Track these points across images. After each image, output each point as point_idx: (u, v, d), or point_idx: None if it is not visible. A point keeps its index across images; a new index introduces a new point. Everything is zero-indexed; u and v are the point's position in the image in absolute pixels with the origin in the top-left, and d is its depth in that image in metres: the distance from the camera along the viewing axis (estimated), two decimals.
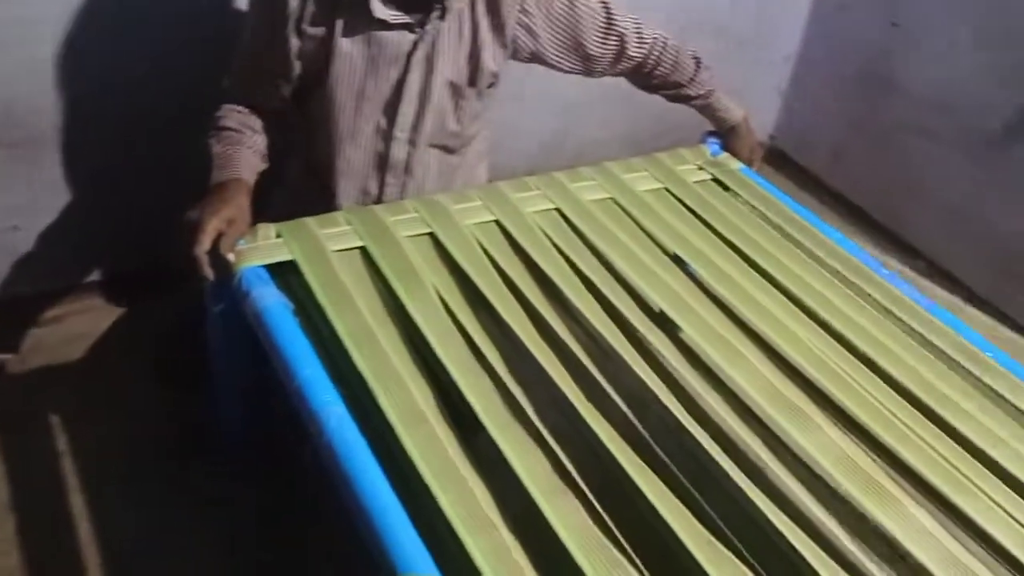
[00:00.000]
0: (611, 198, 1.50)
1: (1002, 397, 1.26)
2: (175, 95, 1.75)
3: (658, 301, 1.30)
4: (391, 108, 1.43)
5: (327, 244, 1.28)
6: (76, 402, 1.67)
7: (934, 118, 2.37)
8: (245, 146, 1.38)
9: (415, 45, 1.38)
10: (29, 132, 1.69)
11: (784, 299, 1.36)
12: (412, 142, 1.47)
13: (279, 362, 1.09)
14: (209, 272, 1.22)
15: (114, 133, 1.77)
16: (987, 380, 1.28)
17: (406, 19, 1.36)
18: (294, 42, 1.36)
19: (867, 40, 2.48)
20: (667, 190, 1.55)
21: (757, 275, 1.40)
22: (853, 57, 2.54)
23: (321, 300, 1.18)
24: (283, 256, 1.25)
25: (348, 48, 1.37)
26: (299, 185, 1.55)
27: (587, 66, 1.56)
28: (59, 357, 1.76)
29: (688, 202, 1.52)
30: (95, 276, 1.91)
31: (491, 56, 1.45)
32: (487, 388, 1.12)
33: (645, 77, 1.63)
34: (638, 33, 1.55)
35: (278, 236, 1.29)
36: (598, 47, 1.53)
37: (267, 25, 1.36)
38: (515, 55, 1.50)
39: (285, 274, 1.25)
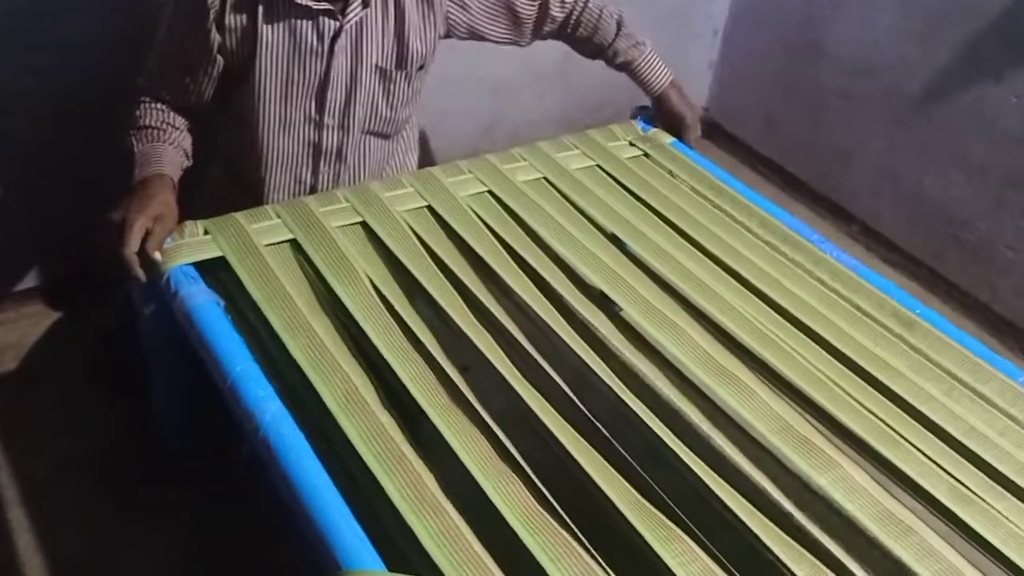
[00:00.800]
0: (544, 178, 1.50)
1: (929, 355, 1.28)
2: (102, 88, 1.70)
3: (594, 279, 1.31)
4: (320, 96, 1.41)
5: (257, 239, 1.26)
6: (11, 413, 1.63)
7: (858, 82, 2.41)
8: (167, 143, 1.35)
9: (338, 32, 1.37)
10: None
11: (718, 270, 1.38)
12: (344, 128, 1.46)
13: (211, 360, 1.07)
14: (140, 272, 1.19)
15: (40, 128, 1.72)
16: (914, 339, 1.30)
17: (327, 5, 1.34)
18: (215, 36, 1.34)
19: (792, 7, 2.51)
20: (599, 167, 1.56)
21: (691, 248, 1.41)
22: (779, 26, 2.58)
23: (253, 295, 1.16)
24: (211, 253, 1.23)
25: (271, 37, 1.35)
26: (223, 186, 1.53)
27: (517, 32, 1.57)
28: None
29: (620, 178, 1.53)
30: (24, 284, 1.85)
31: (419, 38, 1.44)
32: (425, 373, 1.11)
33: (567, 39, 1.63)
34: None
35: (205, 233, 1.26)
36: (525, 8, 1.54)
37: (187, 20, 1.33)
38: (450, 33, 1.50)
39: (215, 271, 1.22)
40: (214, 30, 1.33)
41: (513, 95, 2.32)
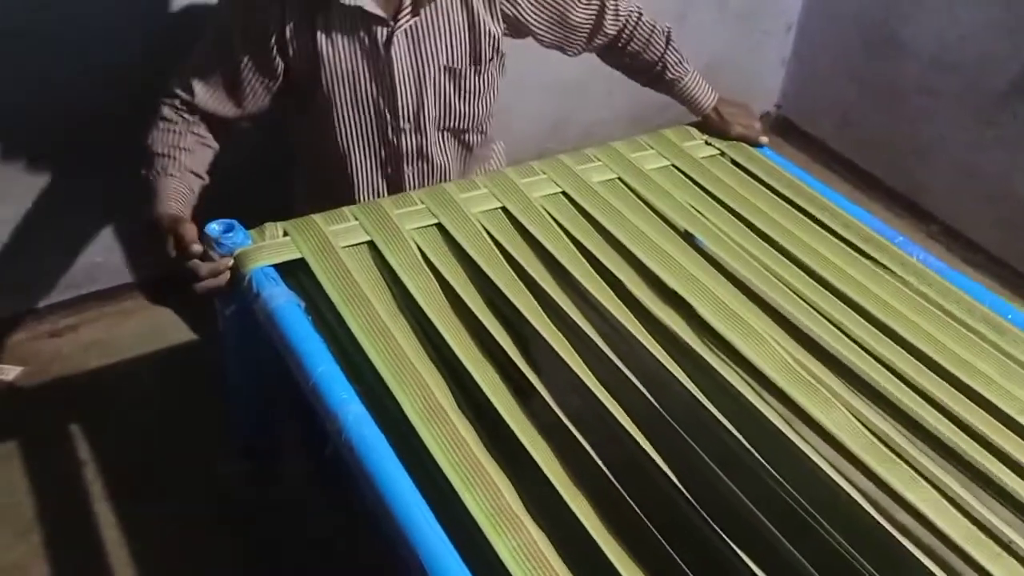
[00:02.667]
0: (618, 178, 1.48)
1: (1019, 359, 1.24)
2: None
3: (670, 280, 1.29)
4: (391, 100, 1.42)
5: (335, 240, 1.27)
6: (96, 410, 1.67)
7: (940, 78, 2.34)
8: (173, 175, 1.33)
9: (389, 37, 1.37)
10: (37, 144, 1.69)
11: (800, 272, 1.35)
12: (420, 129, 1.46)
13: (294, 361, 1.08)
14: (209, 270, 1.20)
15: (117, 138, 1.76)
16: (1007, 345, 1.26)
17: (379, 12, 1.35)
18: (275, 53, 1.35)
19: (869, 3, 2.45)
20: (674, 167, 1.53)
21: (772, 249, 1.38)
22: (855, 21, 2.51)
23: (332, 297, 1.17)
24: (291, 255, 1.24)
25: (331, 49, 1.36)
26: (314, 196, 1.54)
27: (565, 37, 1.55)
28: (76, 366, 1.77)
29: (696, 178, 1.51)
30: (108, 282, 1.91)
31: (486, 31, 1.44)
32: (503, 380, 1.11)
33: (617, 54, 1.61)
34: (615, 4, 1.54)
35: (285, 234, 1.28)
36: (580, 13, 1.52)
37: (241, 36, 1.34)
38: (505, 30, 1.49)
39: (294, 272, 1.24)
40: (275, 49, 1.34)
41: (582, 94, 2.31)
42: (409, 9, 1.37)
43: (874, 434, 1.10)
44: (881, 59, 2.47)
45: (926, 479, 1.06)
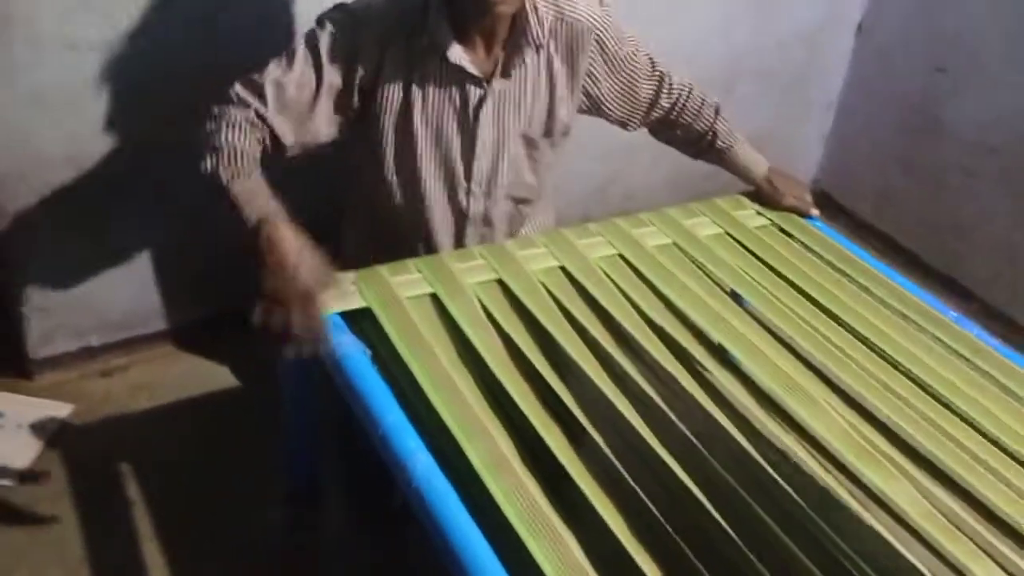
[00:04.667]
0: (673, 243, 1.51)
1: None
2: None
3: (727, 343, 1.30)
4: (467, 161, 1.45)
5: (399, 291, 1.29)
6: (141, 452, 1.69)
7: (980, 159, 2.37)
8: (254, 176, 1.27)
9: (482, 99, 1.41)
10: (94, 181, 1.73)
11: (858, 343, 1.36)
12: (489, 195, 1.49)
13: (362, 409, 1.10)
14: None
15: (166, 181, 1.81)
16: None
17: (476, 72, 1.38)
18: (356, 97, 1.36)
19: (911, 85, 2.50)
20: (728, 234, 1.56)
21: (831, 321, 1.39)
22: (895, 101, 2.56)
23: (398, 346, 1.19)
24: (357, 304, 1.27)
25: (424, 104, 1.38)
26: (370, 235, 1.57)
27: (631, 113, 1.60)
28: (124, 407, 1.79)
29: (750, 246, 1.53)
30: (158, 326, 1.94)
31: (565, 107, 1.48)
32: (566, 435, 1.12)
33: (670, 126, 1.65)
34: (669, 78, 1.59)
35: (352, 284, 1.30)
36: (645, 87, 1.57)
37: (331, 66, 1.32)
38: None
39: (358, 320, 1.26)
40: (357, 90, 1.35)
41: (628, 158, 2.35)
42: (501, 71, 1.40)
43: (936, 508, 1.10)
44: (921, 138, 2.51)
45: (987, 554, 1.06)
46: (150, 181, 1.77)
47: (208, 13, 1.67)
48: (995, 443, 1.21)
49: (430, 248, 1.51)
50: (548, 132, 1.48)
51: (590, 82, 1.51)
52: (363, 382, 1.12)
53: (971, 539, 1.07)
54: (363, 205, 1.57)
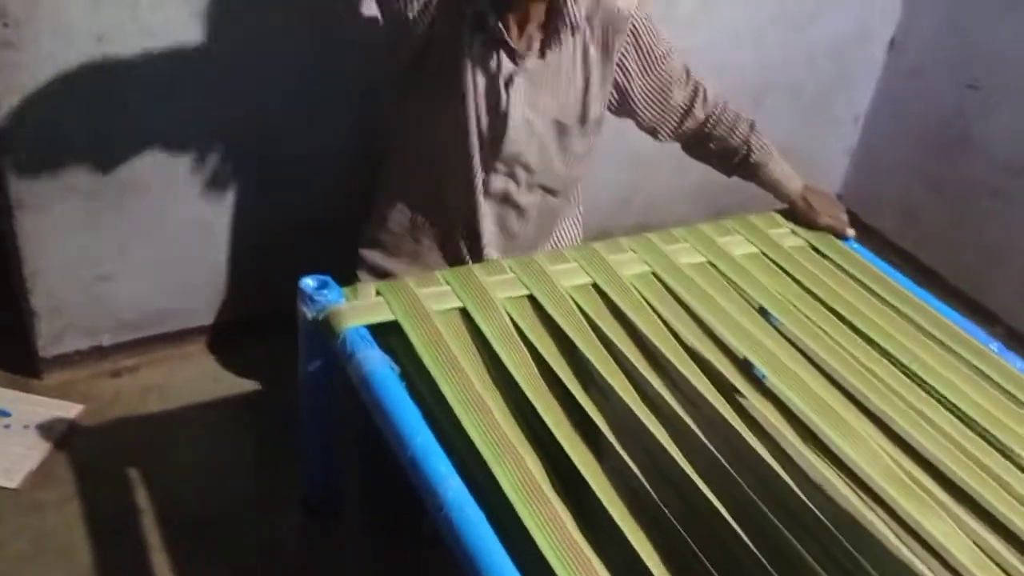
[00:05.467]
0: (708, 262, 1.47)
1: None
2: (270, 139, 1.76)
3: (763, 369, 1.26)
4: (497, 138, 1.44)
5: (427, 304, 1.25)
6: (151, 455, 1.65)
7: (1010, 180, 2.32)
8: None
9: (513, 74, 1.40)
10: (118, 181, 1.69)
11: (896, 371, 1.32)
12: (513, 176, 1.48)
13: (389, 428, 1.06)
14: None
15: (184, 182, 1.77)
16: None
17: (514, 45, 1.38)
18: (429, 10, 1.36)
19: (942, 102, 2.45)
20: (764, 254, 1.52)
21: (867, 346, 1.36)
22: (925, 118, 2.51)
23: (426, 363, 1.15)
24: (384, 316, 1.23)
25: (471, 63, 1.39)
26: (411, 174, 1.56)
27: (664, 117, 1.58)
28: (135, 409, 1.75)
29: (787, 268, 1.49)
30: (168, 327, 1.89)
31: (597, 97, 1.47)
32: (596, 457, 1.08)
33: (703, 139, 1.62)
34: (705, 91, 1.58)
35: (377, 294, 1.27)
36: (679, 94, 1.56)
37: None
38: (608, 102, 1.52)
39: (384, 334, 1.22)
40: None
41: (653, 168, 2.31)
42: (538, 50, 1.40)
43: (982, 549, 1.06)
44: (949, 156, 2.47)
45: None
46: (168, 181, 1.73)
47: None
48: None
49: (450, 216, 1.52)
50: (582, 119, 1.47)
51: (622, 74, 1.50)
52: (391, 400, 1.08)
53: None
54: (400, 151, 1.57)
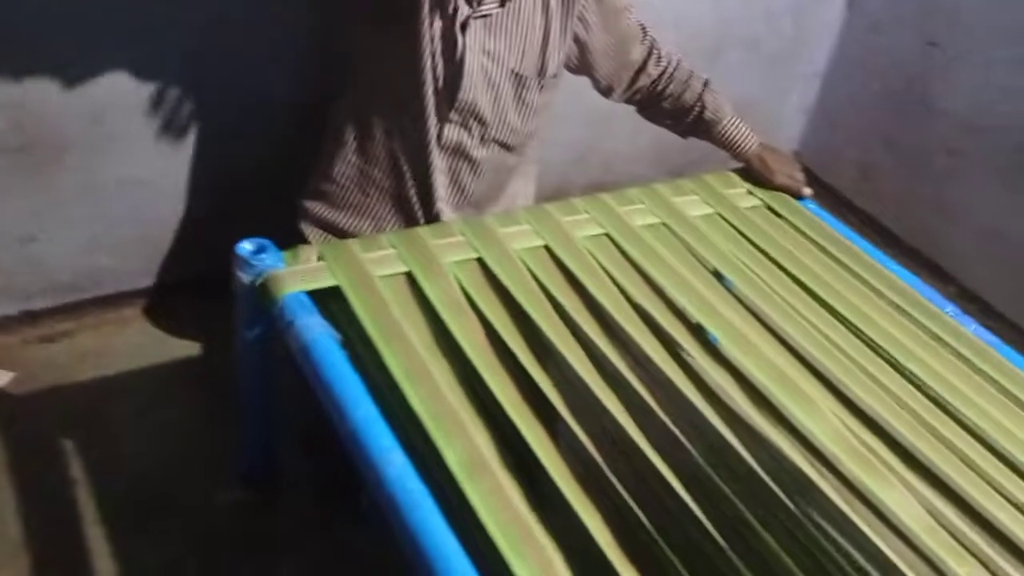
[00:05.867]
0: (662, 223, 1.43)
1: None
2: (209, 87, 1.67)
3: (717, 335, 1.24)
4: (451, 87, 1.39)
5: (371, 269, 1.20)
6: (86, 425, 1.58)
7: (969, 139, 2.31)
8: None
9: (469, 17, 1.35)
10: (46, 137, 1.59)
11: (851, 335, 1.30)
12: (466, 128, 1.43)
13: (329, 400, 1.01)
14: None
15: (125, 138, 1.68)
16: None
17: None
18: None
19: (901, 59, 2.42)
20: (719, 215, 1.48)
21: (825, 312, 1.34)
22: (884, 76, 2.48)
23: (370, 332, 1.10)
24: (326, 282, 1.17)
25: (428, 6, 1.33)
26: (341, 163, 1.50)
27: (619, 74, 1.55)
28: (69, 376, 1.67)
29: (743, 229, 1.46)
30: (105, 289, 1.81)
31: (556, 48, 1.43)
32: (544, 426, 1.05)
33: (656, 99, 1.59)
34: (659, 49, 1.55)
35: (319, 259, 1.21)
36: (636, 51, 1.53)
37: None
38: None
39: (325, 300, 1.17)
40: None
41: (608, 126, 2.26)
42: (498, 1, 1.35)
43: (933, 516, 1.05)
44: (907, 114, 2.44)
45: (980, 560, 1.02)
46: (100, 136, 1.63)
47: None
48: (991, 448, 1.17)
49: (400, 167, 1.47)
50: (540, 72, 1.43)
51: (582, 27, 1.45)
52: (332, 371, 1.03)
53: (969, 550, 1.03)
54: (355, 91, 1.50)
